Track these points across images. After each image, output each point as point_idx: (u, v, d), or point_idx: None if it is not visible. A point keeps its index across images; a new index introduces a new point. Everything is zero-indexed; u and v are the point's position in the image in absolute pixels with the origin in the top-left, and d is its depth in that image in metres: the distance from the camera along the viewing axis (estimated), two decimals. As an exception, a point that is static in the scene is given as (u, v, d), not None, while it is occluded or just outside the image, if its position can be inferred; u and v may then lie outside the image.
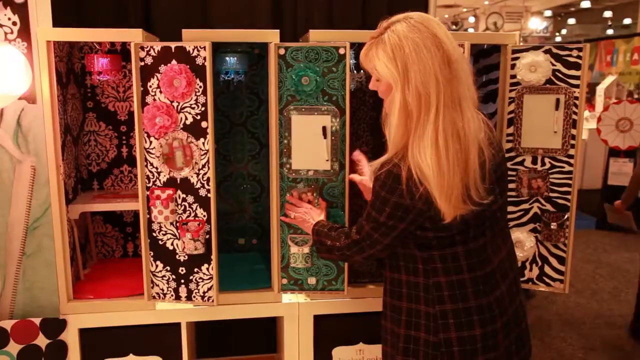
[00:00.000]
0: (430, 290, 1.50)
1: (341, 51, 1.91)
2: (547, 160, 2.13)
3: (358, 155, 1.91)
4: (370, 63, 1.47)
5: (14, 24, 1.93)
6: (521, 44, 2.14)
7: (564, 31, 20.42)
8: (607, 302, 4.21)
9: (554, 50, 2.07)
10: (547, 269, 2.18)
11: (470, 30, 18.85)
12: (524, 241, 2.17)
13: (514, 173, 2.16)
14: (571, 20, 19.97)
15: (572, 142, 2.09)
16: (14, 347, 2.02)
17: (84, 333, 2.08)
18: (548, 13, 18.75)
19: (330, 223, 1.81)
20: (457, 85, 1.39)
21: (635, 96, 8.64)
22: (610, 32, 18.21)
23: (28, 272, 2.05)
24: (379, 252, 1.56)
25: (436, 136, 1.36)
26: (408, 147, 1.40)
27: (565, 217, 2.12)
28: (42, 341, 2.04)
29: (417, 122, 1.38)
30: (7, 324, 2.02)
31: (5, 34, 1.93)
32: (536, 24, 16.37)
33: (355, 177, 1.88)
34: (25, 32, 1.94)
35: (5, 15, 1.92)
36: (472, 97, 1.45)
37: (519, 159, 2.16)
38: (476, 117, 1.44)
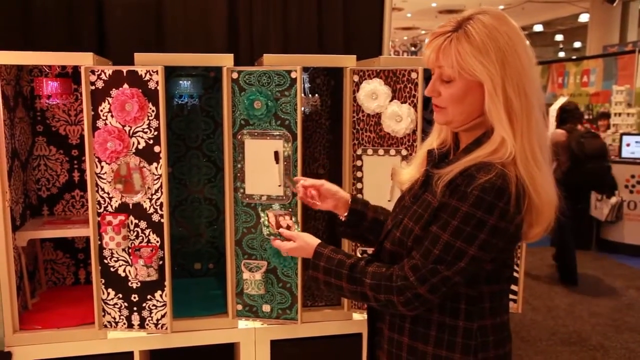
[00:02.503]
0: (474, 335, 1.26)
1: (293, 75, 1.92)
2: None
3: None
4: (448, 59, 1.22)
5: (-42, 47, 1.88)
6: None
7: (518, 53, 21.06)
8: (563, 319, 4.30)
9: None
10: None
11: (429, 52, 19.20)
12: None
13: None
14: (525, 43, 20.63)
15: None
16: (-45, 383, 1.93)
17: (31, 365, 2.00)
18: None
19: (340, 254, 1.37)
20: (539, 86, 1.26)
21: (586, 117, 8.95)
22: (561, 54, 18.91)
23: (-29, 303, 1.97)
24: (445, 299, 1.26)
25: (539, 142, 1.21)
26: (516, 152, 1.18)
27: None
28: (-15, 375, 1.95)
29: (522, 124, 1.19)
30: (-52, 358, 1.93)
31: (-51, 57, 1.88)
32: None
33: (316, 182, 1.58)
34: (-31, 56, 1.89)
35: (-52, 38, 1.87)
36: None
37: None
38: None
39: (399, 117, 2.05)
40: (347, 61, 2.08)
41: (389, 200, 2.08)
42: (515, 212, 1.17)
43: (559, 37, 19.16)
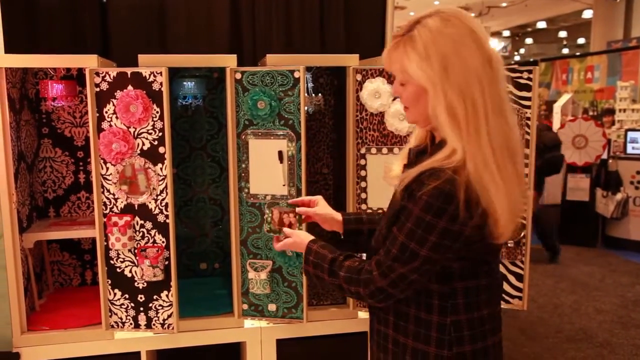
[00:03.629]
0: (447, 330, 1.30)
1: (296, 75, 1.92)
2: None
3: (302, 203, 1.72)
4: (396, 64, 1.26)
5: (-36, 50, 1.90)
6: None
7: (522, 50, 21.04)
8: (569, 316, 4.29)
9: (505, 72, 2.13)
10: (506, 287, 2.22)
11: (432, 50, 19.17)
12: (482, 259, 2.20)
13: (525, 206, 2.19)
14: (528, 40, 20.61)
15: (526, 161, 2.14)
16: (-36, 384, 1.95)
17: (39, 366, 2.02)
18: (506, 33, 19.32)
19: (327, 250, 1.43)
20: (500, 86, 1.24)
21: (590, 113, 8.93)
22: (565, 51, 18.86)
23: (-21, 305, 1.99)
24: (409, 294, 1.32)
25: (491, 144, 1.19)
26: (466, 158, 1.19)
27: (522, 234, 2.16)
28: (-6, 376, 1.97)
29: (468, 129, 1.19)
30: (-43, 360, 1.95)
31: (-45, 60, 1.89)
32: (495, 44, 16.81)
33: (309, 210, 1.66)
34: (-25, 59, 1.90)
35: (-46, 42, 1.89)
36: (510, 100, 1.29)
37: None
38: (517, 122, 1.28)
39: (402, 116, 2.05)
40: (350, 60, 2.09)
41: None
42: (467, 216, 1.19)
43: (562, 34, 19.10)
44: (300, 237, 1.52)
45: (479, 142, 1.19)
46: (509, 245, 2.17)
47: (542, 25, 17.71)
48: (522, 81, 2.13)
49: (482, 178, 1.18)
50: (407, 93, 1.29)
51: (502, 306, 2.19)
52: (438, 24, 1.21)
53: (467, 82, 1.19)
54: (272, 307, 2.05)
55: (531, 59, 13.89)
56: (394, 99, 2.05)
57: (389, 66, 1.30)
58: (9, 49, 1.98)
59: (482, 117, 1.20)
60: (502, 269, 2.21)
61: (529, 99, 2.13)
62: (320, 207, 1.65)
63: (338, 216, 1.62)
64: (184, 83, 2.39)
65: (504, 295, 2.22)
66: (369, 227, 1.59)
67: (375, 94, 2.05)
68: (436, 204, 1.18)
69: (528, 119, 2.13)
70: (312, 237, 1.50)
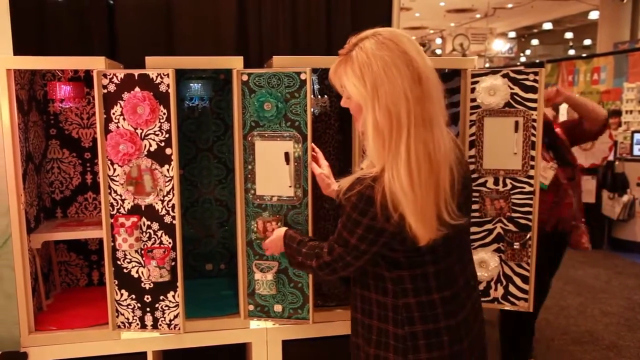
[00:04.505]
0: (400, 311, 1.47)
1: (302, 76, 1.93)
2: (508, 181, 2.18)
3: (314, 148, 1.96)
4: (339, 81, 1.43)
5: (-27, 52, 1.91)
6: (487, 65, 2.21)
7: (528, 52, 20.99)
8: (575, 318, 4.28)
9: (512, 75, 2.13)
10: (511, 288, 2.22)
11: (438, 51, 19.23)
12: (488, 261, 2.20)
13: (477, 194, 2.20)
14: (534, 41, 20.56)
15: (532, 163, 2.14)
16: (-28, 383, 1.96)
17: (47, 366, 2.03)
18: (512, 34, 19.28)
19: (298, 235, 1.74)
20: (428, 103, 1.35)
21: (597, 115, 8.87)
22: (571, 52, 18.80)
23: (-13, 305, 2.00)
24: (351, 273, 1.55)
25: (408, 158, 1.32)
26: (385, 169, 1.35)
27: (528, 236, 2.16)
28: (2, 375, 1.98)
29: (390, 143, 1.34)
30: (-35, 359, 1.96)
31: (-36, 62, 1.91)
32: (500, 45, 16.79)
33: (316, 168, 1.91)
34: (-16, 61, 1.92)
35: (-37, 44, 1.90)
36: (444, 115, 1.41)
37: (481, 180, 2.20)
38: (447, 136, 1.40)
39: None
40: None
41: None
42: (384, 216, 1.36)
43: (568, 35, 19.04)
44: (279, 230, 1.83)
45: (397, 157, 1.34)
46: (515, 247, 2.17)
47: (548, 26, 17.66)
48: (528, 83, 2.13)
49: (394, 187, 1.34)
50: (350, 107, 1.47)
51: (508, 308, 2.21)
52: (373, 47, 1.35)
53: (394, 101, 1.33)
54: (278, 307, 2.06)
55: (537, 61, 13.84)
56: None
57: (334, 82, 1.46)
58: (17, 51, 1.99)
59: (405, 133, 1.33)
60: (507, 270, 2.21)
61: (535, 100, 2.13)
62: (323, 169, 1.92)
63: (335, 185, 1.82)
64: (191, 85, 2.40)
65: (509, 297, 2.22)
66: None
67: (381, 95, 2.05)
68: (360, 205, 1.39)
69: (534, 120, 2.13)
70: (287, 228, 1.80)
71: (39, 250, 2.15)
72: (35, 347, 2.01)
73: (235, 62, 1.99)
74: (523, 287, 2.20)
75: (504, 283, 2.22)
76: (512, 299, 2.22)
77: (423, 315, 1.47)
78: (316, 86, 2.38)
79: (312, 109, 1.97)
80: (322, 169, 1.91)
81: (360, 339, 1.56)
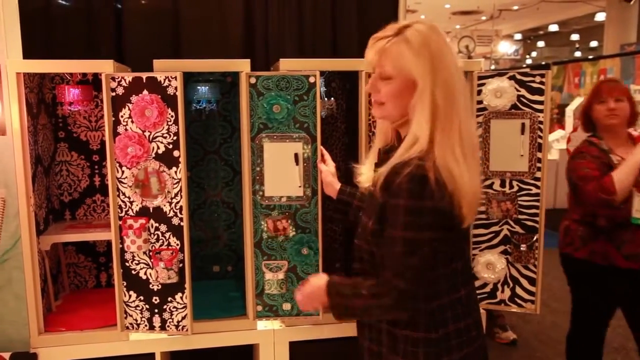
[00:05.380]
0: (434, 314, 1.41)
1: (311, 80, 1.94)
2: (515, 183, 2.18)
3: (323, 150, 1.98)
4: (388, 59, 1.37)
5: (-16, 56, 1.93)
6: (492, 67, 2.21)
7: (534, 54, 20.96)
8: (582, 320, 4.26)
9: (518, 77, 2.14)
10: (518, 290, 2.22)
11: (443, 53, 19.12)
12: (495, 263, 2.20)
13: (483, 196, 2.20)
14: (540, 43, 20.52)
15: (539, 165, 2.15)
16: (-18, 384, 1.98)
17: (56, 366, 2.05)
18: (518, 36, 19.25)
19: (345, 278, 1.49)
20: (468, 92, 1.41)
21: (603, 117, 8.84)
22: (578, 54, 18.75)
23: (-3, 306, 2.02)
24: (423, 289, 1.38)
25: (461, 137, 1.33)
26: (434, 147, 1.32)
27: (535, 238, 2.16)
28: (11, 376, 2.00)
29: (444, 120, 1.33)
30: (-24, 360, 1.98)
31: (-25, 66, 1.93)
32: (506, 47, 16.76)
33: (322, 166, 1.93)
34: (-6, 65, 1.94)
35: (-26, 47, 1.92)
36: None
37: (487, 182, 2.20)
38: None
39: (415, 119, 2.07)
40: (363, 64, 2.10)
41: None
42: (440, 194, 1.30)
43: (574, 37, 19.00)
44: (316, 280, 1.51)
45: (450, 134, 1.33)
46: (521, 249, 2.17)
47: (554, 28, 17.63)
48: (534, 85, 2.13)
49: (450, 164, 1.31)
50: (390, 87, 1.39)
51: (515, 310, 2.22)
52: (426, 30, 1.37)
53: (448, 84, 1.34)
54: (286, 306, 2.07)
55: (543, 62, 13.82)
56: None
57: (378, 61, 1.40)
58: (26, 55, 2.01)
59: (457, 113, 1.34)
60: (515, 273, 2.21)
61: (541, 102, 2.13)
62: (329, 167, 1.92)
63: (337, 184, 1.85)
64: (198, 87, 2.42)
65: (516, 299, 2.23)
66: (358, 204, 1.76)
67: (387, 97, 2.06)
68: (416, 188, 1.29)
69: (540, 122, 2.13)
70: (327, 277, 1.50)
71: (48, 252, 2.17)
72: (45, 348, 2.02)
73: (242, 65, 2.00)
74: (530, 289, 2.20)
75: (511, 285, 2.22)
76: (519, 301, 2.22)
77: (455, 313, 1.43)
78: (323, 89, 2.39)
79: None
80: (328, 167, 1.93)
81: (385, 347, 1.46)
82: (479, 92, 2.17)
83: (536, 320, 4.11)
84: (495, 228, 2.21)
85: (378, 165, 1.46)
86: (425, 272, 1.34)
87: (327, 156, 1.97)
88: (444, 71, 1.34)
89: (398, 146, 1.41)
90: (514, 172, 2.17)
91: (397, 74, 1.37)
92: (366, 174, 1.54)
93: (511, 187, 2.18)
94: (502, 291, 2.23)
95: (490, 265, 2.21)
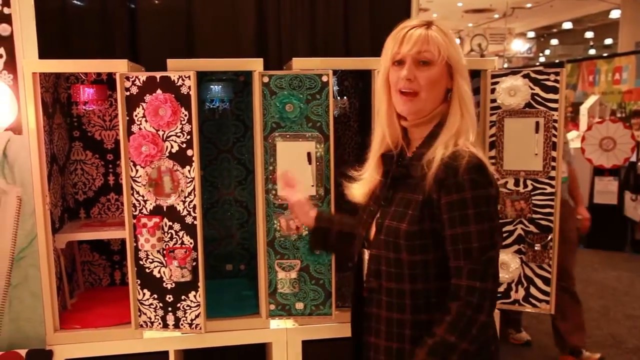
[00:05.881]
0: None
1: (324, 79, 1.94)
2: (529, 182, 2.16)
3: (287, 177, 1.81)
4: (430, 45, 1.35)
5: (0, 56, 1.95)
6: (505, 65, 2.20)
7: (547, 52, 20.78)
8: (597, 321, 4.22)
9: (532, 75, 2.12)
10: (532, 290, 2.20)
11: (456, 52, 19.02)
12: (509, 263, 2.19)
13: (497, 195, 2.19)
14: (554, 41, 20.34)
15: (553, 164, 2.13)
16: (-1, 380, 2.00)
17: (71, 364, 2.06)
18: (531, 34, 19.10)
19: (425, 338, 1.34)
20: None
21: (618, 115, 8.78)
22: (592, 52, 18.56)
23: (14, 303, 2.04)
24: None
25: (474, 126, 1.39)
26: (469, 136, 1.35)
27: (549, 238, 2.15)
28: (28, 373, 2.02)
29: (470, 110, 1.37)
30: (-8, 356, 2.00)
31: (-8, 66, 1.95)
32: (519, 45, 16.64)
33: (292, 195, 1.75)
34: (11, 65, 1.96)
35: (-9, 48, 1.95)
36: None
37: (501, 182, 2.19)
38: None
39: (428, 118, 2.06)
40: (376, 63, 2.07)
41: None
42: (494, 180, 1.32)
43: (589, 35, 18.81)
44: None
45: (474, 120, 1.38)
46: (536, 248, 2.15)
47: (567, 25, 17.47)
48: (549, 83, 2.11)
49: (481, 153, 1.34)
50: (430, 72, 1.36)
51: (529, 310, 2.20)
52: (445, 26, 1.40)
53: (467, 73, 1.40)
54: (299, 305, 2.07)
55: (557, 61, 13.70)
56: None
57: (421, 47, 1.35)
58: (42, 55, 2.03)
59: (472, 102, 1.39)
60: (529, 272, 2.19)
61: (556, 101, 2.11)
62: (299, 195, 1.75)
63: (313, 212, 1.73)
64: (211, 87, 2.43)
65: (530, 299, 2.21)
66: (338, 229, 1.68)
67: (400, 96, 2.05)
68: (479, 178, 1.28)
69: (555, 121, 2.11)
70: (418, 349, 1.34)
71: (63, 250, 2.19)
72: (60, 345, 2.04)
73: (255, 64, 2.01)
74: (544, 289, 2.18)
75: (525, 285, 2.20)
76: (533, 301, 2.20)
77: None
78: (336, 88, 2.39)
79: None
80: (298, 194, 1.76)
81: (407, 343, 1.37)
82: (493, 91, 2.16)
83: (549, 320, 4.07)
84: (509, 227, 2.20)
85: (386, 173, 1.44)
86: (497, 259, 1.33)
87: (295, 181, 1.80)
88: (464, 65, 1.39)
89: (406, 149, 1.43)
90: (528, 171, 2.16)
91: (439, 60, 1.35)
92: (363, 186, 1.50)
93: (525, 186, 2.17)
94: (516, 291, 2.22)
95: (504, 264, 2.19)
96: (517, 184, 2.17)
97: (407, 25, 1.39)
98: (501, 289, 2.23)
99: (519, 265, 2.19)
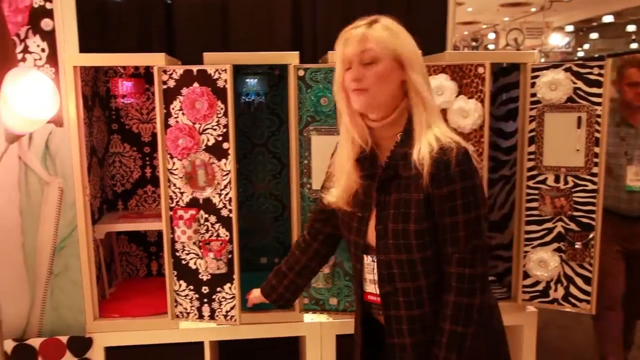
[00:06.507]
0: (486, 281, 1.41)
1: (360, 72, 1.92)
2: (569, 178, 2.11)
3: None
4: (372, 43, 1.34)
5: (43, 50, 2.00)
6: (542, 60, 2.15)
7: (586, 46, 20.26)
8: None
9: (575, 68, 2.06)
10: (572, 289, 2.15)
11: (491, 46, 18.81)
12: (548, 261, 2.14)
13: (535, 192, 2.14)
14: (593, 35, 19.82)
15: (596, 160, 2.07)
16: (40, 366, 2.06)
17: (110, 351, 2.11)
18: (570, 28, 18.64)
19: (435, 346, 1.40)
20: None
21: (661, 111, 8.49)
22: (634, 46, 18.02)
23: (55, 292, 2.10)
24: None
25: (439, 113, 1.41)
26: (432, 125, 1.34)
27: (590, 236, 2.09)
28: (69, 359, 2.07)
29: (426, 100, 1.35)
30: (36, 342, 2.05)
31: (35, 60, 2.00)
32: (557, 40, 16.26)
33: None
34: (53, 58, 2.00)
35: (34, 42, 1.99)
36: None
37: (540, 178, 2.14)
38: None
39: (466, 113, 2.03)
40: (413, 56, 2.07)
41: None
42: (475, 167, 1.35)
43: (631, 28, 18.26)
44: None
45: (434, 109, 1.37)
46: (576, 247, 2.10)
47: (608, 19, 16.99)
48: (592, 77, 2.05)
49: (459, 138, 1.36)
50: (377, 69, 1.34)
51: (569, 310, 2.15)
52: (391, 21, 1.39)
53: (422, 65, 1.38)
54: (333, 301, 2.07)
55: (596, 55, 13.35)
56: (456, 96, 2.03)
57: (361, 46, 1.34)
58: (82, 49, 2.07)
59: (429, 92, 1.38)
60: (569, 271, 2.15)
61: (599, 95, 2.05)
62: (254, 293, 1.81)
63: (256, 292, 1.78)
64: (247, 80, 2.44)
65: (570, 298, 2.16)
66: (292, 278, 1.69)
67: (437, 90, 2.03)
68: (467, 168, 1.31)
69: (598, 116, 2.05)
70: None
71: (102, 240, 2.23)
72: (99, 333, 2.09)
73: (291, 58, 2.00)
74: (585, 289, 2.13)
75: (565, 284, 2.15)
76: (573, 301, 2.15)
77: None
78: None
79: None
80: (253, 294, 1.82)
81: (430, 332, 1.40)
82: (533, 85, 2.11)
83: (588, 320, 3.98)
84: (548, 225, 2.15)
85: (369, 176, 1.41)
86: (486, 249, 1.36)
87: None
88: (418, 58, 1.36)
89: (376, 150, 1.41)
90: (569, 167, 2.10)
91: (384, 55, 1.34)
92: (341, 191, 1.45)
93: (566, 182, 2.11)
94: (555, 290, 2.17)
95: (542, 262, 2.15)
96: (557, 180, 2.12)
97: (349, 27, 1.39)
98: (539, 287, 2.18)
99: (559, 264, 2.14)
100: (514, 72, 2.27)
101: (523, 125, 2.14)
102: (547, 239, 2.16)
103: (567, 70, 2.07)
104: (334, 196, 1.47)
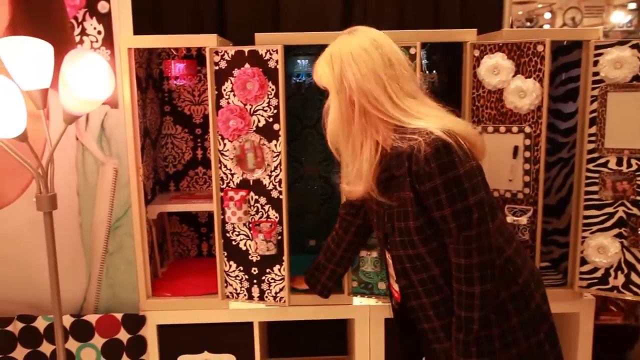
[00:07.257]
0: (505, 268, 1.45)
1: (412, 51, 1.88)
2: (633, 161, 2.00)
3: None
4: (317, 76, 1.56)
5: (99, 33, 2.03)
6: (602, 39, 2.03)
7: (649, 24, 19.29)
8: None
9: (642, 45, 1.95)
10: (634, 277, 2.05)
11: (546, 27, 18.15)
12: (607, 247, 2.05)
13: (596, 175, 2.05)
14: (658, 13, 18.82)
15: (663, 148, 1.96)
16: (98, 340, 2.13)
17: (162, 329, 2.16)
18: (632, 5, 17.77)
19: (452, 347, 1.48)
20: (405, 82, 1.44)
21: None
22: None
23: (110, 270, 2.15)
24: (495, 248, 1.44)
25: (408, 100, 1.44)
26: (407, 120, 1.40)
27: (652, 221, 1.99)
28: (123, 336, 2.13)
29: (372, 108, 1.41)
30: (93, 318, 2.12)
31: (92, 42, 2.04)
32: (619, 18, 15.53)
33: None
34: (108, 41, 2.03)
35: (91, 25, 2.03)
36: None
37: (602, 160, 2.04)
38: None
39: (523, 93, 1.95)
40: (468, 35, 2.00)
41: (510, 180, 1.99)
42: (464, 154, 1.36)
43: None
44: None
45: (390, 108, 1.41)
46: (639, 233, 2.00)
47: (632, 6, 16.11)
48: (660, 56, 1.93)
49: (447, 125, 1.40)
50: (331, 97, 1.53)
51: (630, 298, 2.06)
52: (333, 46, 1.52)
53: (364, 80, 1.42)
54: (382, 285, 2.05)
55: (661, 34, 12.68)
56: (514, 75, 1.95)
57: (316, 77, 1.59)
58: (136, 32, 2.09)
59: (389, 99, 1.41)
60: (630, 258, 2.05)
61: (669, 75, 1.93)
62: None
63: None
64: (298, 61, 2.42)
65: (631, 286, 2.07)
66: (332, 268, 1.87)
67: (493, 70, 1.96)
68: (445, 161, 1.33)
69: (668, 98, 1.94)
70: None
71: (154, 220, 2.27)
72: (152, 312, 2.14)
73: (342, 38, 1.96)
74: (645, 278, 2.03)
75: (625, 271, 2.06)
76: (634, 289, 2.06)
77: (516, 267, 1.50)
78: (424, 61, 2.31)
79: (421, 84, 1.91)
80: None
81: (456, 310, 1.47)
82: (595, 63, 2.01)
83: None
84: (609, 209, 2.05)
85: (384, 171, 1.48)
86: (488, 233, 1.37)
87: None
88: (355, 75, 1.43)
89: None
90: (633, 149, 2.00)
91: (331, 89, 1.51)
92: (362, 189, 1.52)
93: (629, 165, 2.01)
94: (615, 277, 2.08)
95: (601, 248, 2.06)
96: (619, 163, 2.02)
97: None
98: (598, 274, 2.10)
99: (619, 250, 2.05)
100: (575, 50, 2.17)
101: (584, 105, 2.05)
102: (608, 224, 2.06)
103: (633, 47, 1.95)
104: (353, 191, 1.54)
